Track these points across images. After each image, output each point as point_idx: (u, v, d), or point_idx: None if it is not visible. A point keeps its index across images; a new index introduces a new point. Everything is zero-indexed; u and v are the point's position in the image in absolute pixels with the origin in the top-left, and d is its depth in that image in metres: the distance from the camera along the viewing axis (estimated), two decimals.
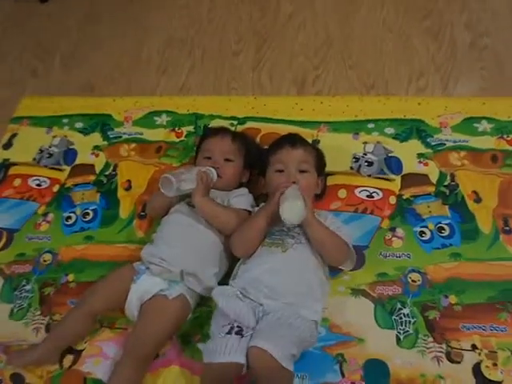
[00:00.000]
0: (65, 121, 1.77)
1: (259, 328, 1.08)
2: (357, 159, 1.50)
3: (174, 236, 1.26)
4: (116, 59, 1.97)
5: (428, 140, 1.51)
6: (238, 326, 1.08)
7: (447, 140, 1.50)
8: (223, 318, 1.11)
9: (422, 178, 1.44)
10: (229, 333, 1.07)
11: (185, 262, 1.21)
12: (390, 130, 1.54)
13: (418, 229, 1.35)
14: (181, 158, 1.59)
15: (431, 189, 1.42)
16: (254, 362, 1.01)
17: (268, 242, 1.20)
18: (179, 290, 1.20)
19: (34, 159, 1.68)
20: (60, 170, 1.64)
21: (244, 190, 1.37)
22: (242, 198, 1.32)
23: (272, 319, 1.09)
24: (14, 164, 1.68)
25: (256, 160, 1.43)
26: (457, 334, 1.18)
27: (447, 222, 1.35)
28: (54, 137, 1.74)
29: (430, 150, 1.49)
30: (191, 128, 1.66)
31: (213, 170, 1.31)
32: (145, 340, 1.15)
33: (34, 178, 1.63)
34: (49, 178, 1.63)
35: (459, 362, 1.15)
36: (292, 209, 1.12)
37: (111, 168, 1.62)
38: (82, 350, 1.26)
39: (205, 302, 1.27)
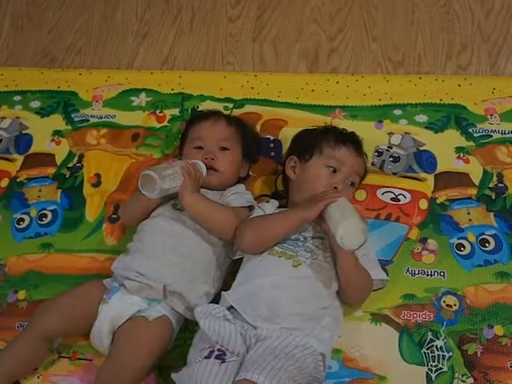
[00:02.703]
0: (17, 98, 1.75)
1: (250, 357, 1.07)
2: (380, 153, 1.50)
3: (154, 246, 1.26)
4: (83, 22, 1.96)
5: (470, 130, 1.51)
6: (219, 350, 1.08)
7: (494, 131, 1.50)
8: (203, 342, 1.11)
9: (462, 178, 1.44)
10: (207, 357, 1.06)
11: (168, 278, 1.21)
12: (421, 118, 1.55)
13: (455, 241, 1.35)
14: (163, 147, 1.59)
15: (473, 191, 1.42)
16: None
17: (277, 251, 1.21)
18: (161, 311, 1.20)
19: None
20: (10, 159, 1.63)
21: (240, 187, 1.37)
22: (238, 196, 1.32)
23: (267, 347, 1.08)
24: None
25: (254, 150, 1.44)
26: (504, 374, 1.17)
27: (492, 232, 1.35)
28: (3, 118, 1.73)
29: (471, 143, 1.49)
30: (176, 111, 1.66)
31: (200, 163, 1.31)
32: (124, 375, 1.14)
33: None
34: None
35: None
36: (355, 231, 1.11)
37: (76, 159, 1.61)
38: None
39: (190, 327, 1.26)
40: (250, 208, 1.31)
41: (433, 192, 1.42)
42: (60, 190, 1.55)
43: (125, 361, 1.14)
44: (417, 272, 1.31)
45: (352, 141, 1.34)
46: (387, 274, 1.29)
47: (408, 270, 1.31)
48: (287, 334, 1.10)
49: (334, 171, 1.28)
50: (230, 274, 1.30)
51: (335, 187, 1.26)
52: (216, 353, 1.06)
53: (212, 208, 1.26)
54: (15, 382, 1.23)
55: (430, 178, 1.44)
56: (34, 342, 1.20)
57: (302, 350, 1.09)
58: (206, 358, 1.06)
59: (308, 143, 1.34)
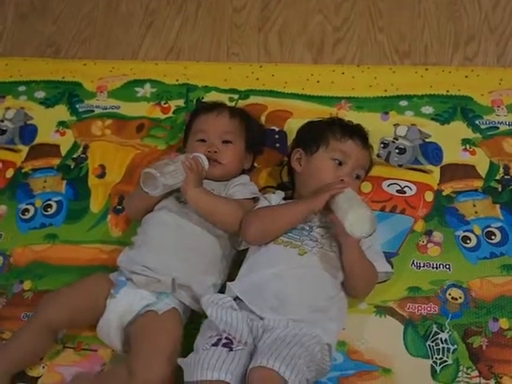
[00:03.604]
0: (21, 89, 1.75)
1: (261, 346, 1.07)
2: (386, 145, 1.50)
3: (160, 239, 1.26)
4: (88, 12, 1.95)
5: (476, 122, 1.50)
6: (226, 338, 1.08)
7: (501, 122, 1.49)
8: (211, 329, 1.12)
9: (468, 170, 1.44)
10: (215, 344, 1.07)
11: (175, 271, 1.21)
12: (428, 109, 1.54)
13: (461, 233, 1.35)
14: (168, 138, 1.59)
15: (479, 183, 1.41)
16: None
17: (283, 240, 1.21)
18: (170, 303, 1.20)
19: None
20: (15, 150, 1.64)
21: (245, 178, 1.37)
22: (242, 187, 1.32)
23: (277, 336, 1.08)
24: None
25: (258, 142, 1.44)
26: (509, 367, 1.17)
27: (498, 225, 1.35)
28: (8, 108, 1.73)
29: (478, 135, 1.48)
30: (181, 102, 1.65)
31: (202, 156, 1.30)
32: (148, 377, 1.11)
33: None
34: (0, 161, 1.61)
35: None
36: (365, 219, 1.11)
37: (80, 150, 1.61)
38: (38, 378, 1.24)
39: (195, 319, 1.26)
40: (255, 199, 1.30)
41: (439, 184, 1.42)
42: (65, 181, 1.55)
43: (146, 366, 1.12)
44: (422, 264, 1.31)
45: (358, 133, 1.33)
46: (392, 267, 1.28)
47: (413, 263, 1.31)
48: (294, 325, 1.11)
49: (340, 164, 1.28)
50: (234, 263, 1.29)
51: (341, 180, 1.25)
52: (223, 341, 1.07)
53: (215, 202, 1.25)
54: (20, 372, 1.23)
55: (436, 170, 1.44)
56: (39, 333, 1.20)
57: (310, 339, 1.09)
58: (213, 345, 1.06)
59: (314, 135, 1.34)
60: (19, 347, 1.20)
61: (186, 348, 1.20)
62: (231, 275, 1.27)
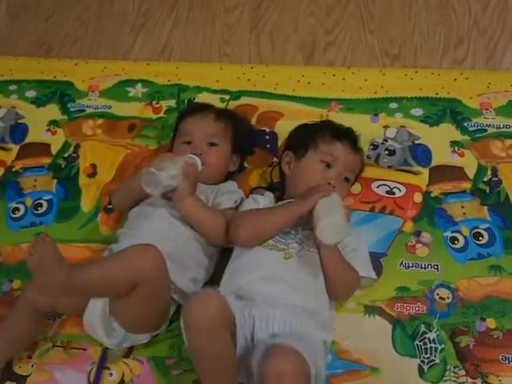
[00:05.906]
0: (12, 88, 1.75)
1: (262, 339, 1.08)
2: (375, 146, 1.50)
3: (143, 231, 1.26)
4: (80, 12, 1.95)
5: (465, 124, 1.51)
6: None
7: (489, 125, 1.50)
8: None
9: (456, 172, 1.45)
10: None
11: None
12: (417, 112, 1.55)
13: (449, 234, 1.35)
14: (159, 138, 1.59)
15: (467, 185, 1.42)
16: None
17: (269, 243, 1.21)
18: None
19: None
20: (5, 149, 1.63)
21: (233, 186, 1.38)
22: (229, 196, 1.33)
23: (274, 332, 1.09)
24: None
25: (247, 143, 1.44)
26: (496, 366, 1.18)
27: (486, 226, 1.35)
28: None
29: (466, 137, 1.49)
30: (172, 102, 1.65)
31: (197, 159, 1.30)
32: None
33: None
34: None
35: None
36: (334, 228, 1.12)
37: (71, 149, 1.60)
38: (26, 376, 1.23)
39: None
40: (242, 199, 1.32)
41: (427, 185, 1.42)
42: (55, 180, 1.55)
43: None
44: (410, 265, 1.31)
45: (347, 137, 1.33)
46: (381, 267, 1.29)
47: (402, 263, 1.31)
48: (287, 324, 1.11)
49: (328, 166, 1.28)
50: (220, 263, 1.29)
51: (329, 183, 1.25)
52: None
53: (204, 215, 1.25)
54: (9, 370, 1.23)
55: (425, 172, 1.44)
56: (27, 315, 1.20)
57: (305, 337, 1.10)
58: None
59: (304, 138, 1.34)
60: (8, 334, 1.21)
61: (172, 348, 1.23)
62: (216, 273, 1.27)
